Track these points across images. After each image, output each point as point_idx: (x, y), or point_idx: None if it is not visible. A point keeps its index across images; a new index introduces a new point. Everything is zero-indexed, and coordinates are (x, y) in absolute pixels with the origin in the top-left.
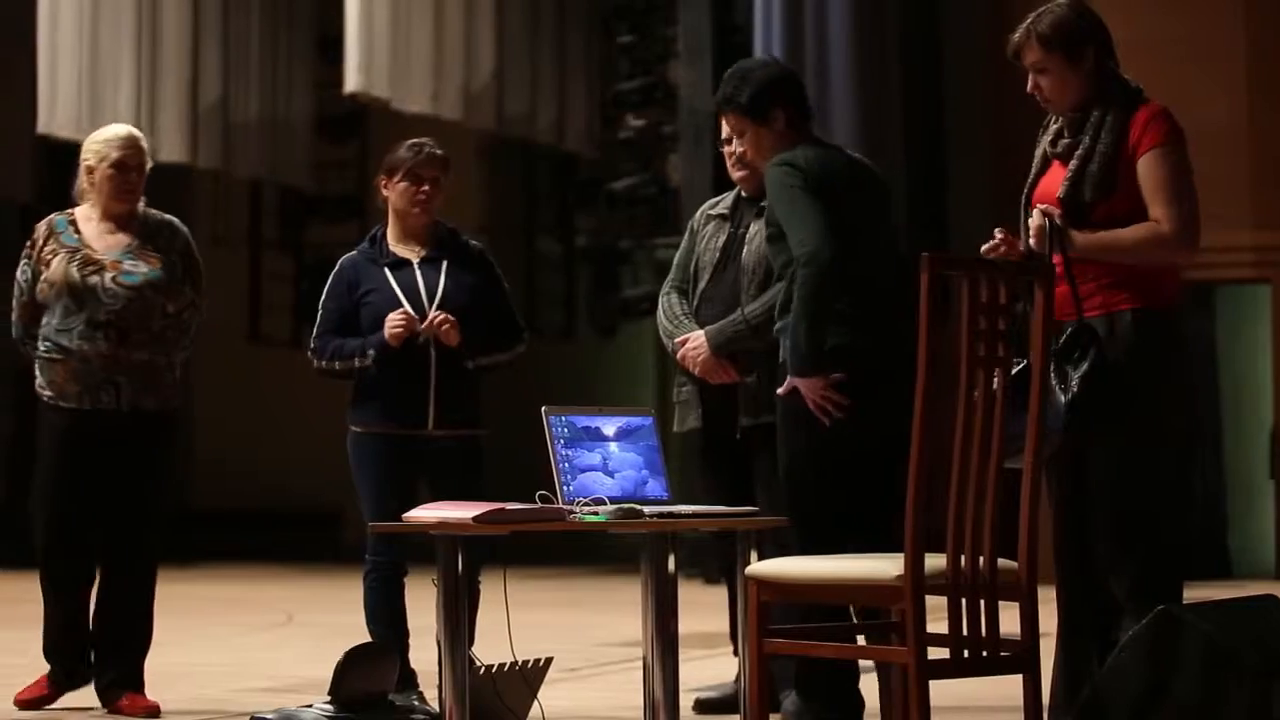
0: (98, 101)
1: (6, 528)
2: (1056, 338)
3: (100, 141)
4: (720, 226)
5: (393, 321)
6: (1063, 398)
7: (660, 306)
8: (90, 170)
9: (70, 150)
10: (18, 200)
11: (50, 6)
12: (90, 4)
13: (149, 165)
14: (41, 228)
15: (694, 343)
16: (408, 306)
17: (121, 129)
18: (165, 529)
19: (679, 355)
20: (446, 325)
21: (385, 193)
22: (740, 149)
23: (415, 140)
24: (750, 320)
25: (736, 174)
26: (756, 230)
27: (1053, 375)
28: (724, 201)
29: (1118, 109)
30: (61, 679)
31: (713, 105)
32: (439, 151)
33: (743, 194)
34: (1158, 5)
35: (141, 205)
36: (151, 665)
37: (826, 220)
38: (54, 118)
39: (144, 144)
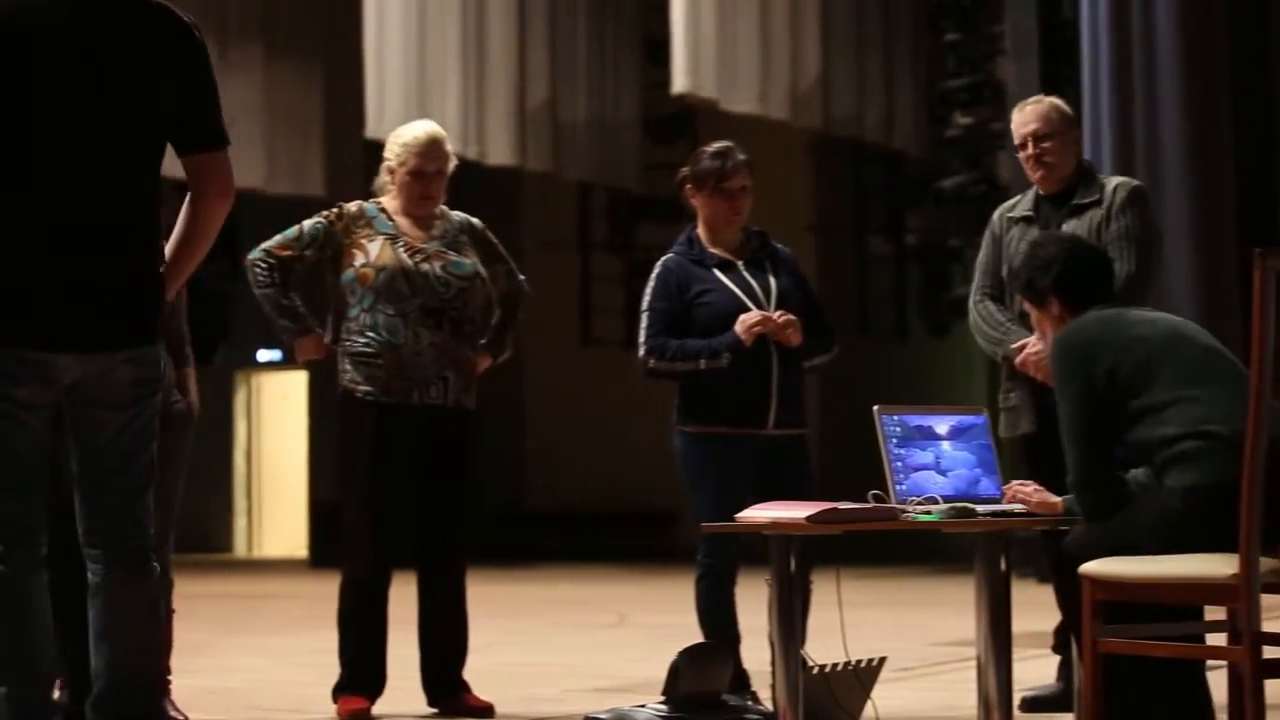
0: (426, 105)
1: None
2: None
3: (400, 145)
4: (1025, 230)
5: (750, 321)
6: None
7: (977, 315)
8: (391, 171)
9: None
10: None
11: (378, 13)
12: (417, 10)
13: (452, 164)
14: (352, 207)
15: (1035, 345)
16: (754, 307)
17: (421, 131)
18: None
19: (1018, 360)
20: (791, 325)
21: (692, 200)
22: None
23: (718, 148)
24: None
25: (1035, 174)
26: (1072, 229)
27: None
28: (1022, 203)
29: None
30: (369, 686)
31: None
32: (743, 157)
33: (1041, 193)
34: None
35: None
36: (484, 666)
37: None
38: (382, 122)
39: (445, 146)
